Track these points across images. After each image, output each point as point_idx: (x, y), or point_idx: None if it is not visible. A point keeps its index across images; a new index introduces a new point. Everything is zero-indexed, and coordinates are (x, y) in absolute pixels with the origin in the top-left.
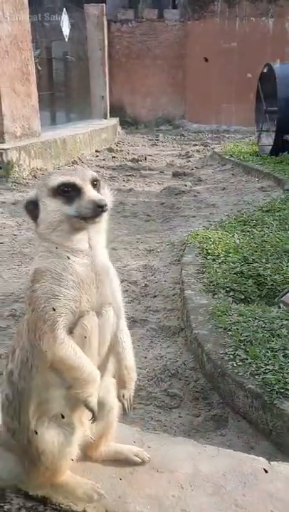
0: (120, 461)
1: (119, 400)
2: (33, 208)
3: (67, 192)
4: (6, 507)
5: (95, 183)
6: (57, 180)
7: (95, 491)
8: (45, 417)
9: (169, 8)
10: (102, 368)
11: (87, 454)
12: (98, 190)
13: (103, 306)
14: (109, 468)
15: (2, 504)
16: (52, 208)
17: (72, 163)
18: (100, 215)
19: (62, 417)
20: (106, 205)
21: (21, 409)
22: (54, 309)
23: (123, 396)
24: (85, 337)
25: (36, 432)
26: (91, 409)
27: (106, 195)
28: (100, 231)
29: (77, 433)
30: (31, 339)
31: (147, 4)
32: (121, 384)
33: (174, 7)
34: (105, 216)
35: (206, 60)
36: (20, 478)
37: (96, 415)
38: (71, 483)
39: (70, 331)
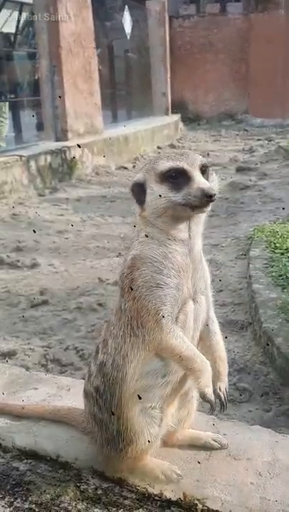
0: (196, 446)
1: (216, 394)
2: (138, 191)
3: (176, 178)
4: (82, 487)
5: (203, 169)
6: (165, 165)
7: (173, 471)
8: (136, 407)
9: (232, 1)
10: None
11: (164, 439)
12: (207, 177)
13: (197, 293)
14: (185, 453)
15: (78, 484)
16: (159, 194)
17: (134, 160)
18: (207, 204)
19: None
20: (215, 194)
21: (113, 400)
22: (158, 298)
23: (220, 389)
24: (186, 325)
25: (123, 423)
26: (209, 401)
27: (214, 183)
28: (200, 221)
29: (165, 423)
30: (133, 327)
31: None
32: (216, 376)
33: (237, 0)
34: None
35: None
36: (97, 459)
37: (214, 407)
38: (149, 464)
39: (175, 320)
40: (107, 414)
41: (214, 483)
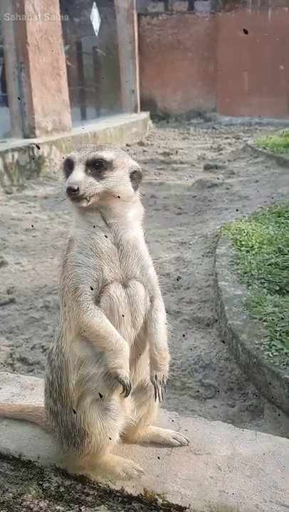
0: (158, 443)
1: (152, 382)
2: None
3: (69, 169)
4: (44, 485)
5: (96, 165)
6: (67, 155)
7: (134, 468)
8: (87, 398)
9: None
10: (139, 346)
11: (125, 436)
12: (99, 172)
13: (129, 279)
14: (147, 450)
15: (41, 482)
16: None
17: None
18: (71, 198)
19: (101, 396)
20: (73, 189)
21: (62, 389)
22: (76, 276)
23: (155, 378)
24: (113, 308)
25: (75, 411)
26: (121, 382)
27: (107, 180)
28: (116, 212)
29: (120, 417)
30: (61, 308)
31: None
32: (153, 365)
33: None
34: (94, 199)
35: (246, 32)
36: (59, 457)
37: (128, 389)
38: (110, 462)
39: (98, 301)
40: (60, 405)
41: (174, 478)
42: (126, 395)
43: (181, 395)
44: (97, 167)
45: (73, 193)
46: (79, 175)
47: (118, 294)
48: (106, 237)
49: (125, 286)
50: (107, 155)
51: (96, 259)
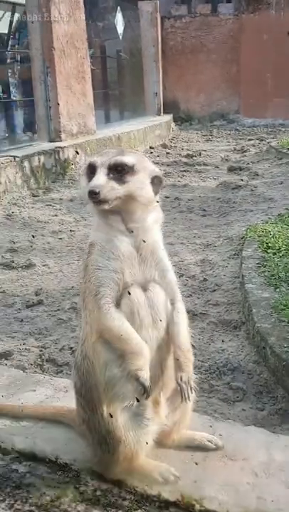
0: (192, 447)
1: (178, 384)
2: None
3: (91, 173)
4: (81, 488)
5: (118, 169)
6: (88, 160)
7: (170, 472)
8: (117, 403)
9: (223, 2)
10: (164, 349)
11: (160, 440)
12: (121, 177)
13: (149, 282)
14: (182, 454)
15: (78, 486)
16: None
17: None
18: (93, 201)
19: (138, 401)
20: (95, 192)
21: (92, 396)
22: (98, 279)
23: (181, 379)
24: (133, 310)
25: (111, 415)
26: (141, 384)
27: (129, 185)
28: (137, 216)
29: (154, 422)
30: (83, 311)
31: None
32: (178, 366)
33: (228, 1)
34: (116, 203)
35: None
36: (94, 458)
37: (148, 391)
38: (147, 466)
39: (118, 304)
40: (90, 412)
41: (211, 483)
42: (146, 397)
43: (209, 397)
44: (119, 171)
45: (95, 197)
46: (101, 179)
47: (138, 297)
48: (127, 240)
49: (145, 289)
50: (128, 160)
51: (117, 263)
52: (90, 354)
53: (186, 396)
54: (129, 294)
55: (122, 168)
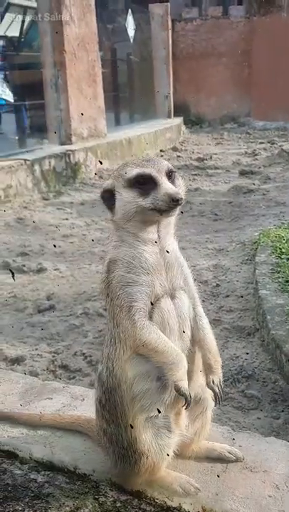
0: (212, 459)
1: (210, 388)
2: (108, 197)
3: (143, 184)
4: (100, 499)
5: (170, 175)
6: (133, 171)
7: (191, 484)
8: (141, 416)
9: (234, 4)
10: (188, 357)
11: (179, 451)
12: (173, 182)
13: (176, 290)
14: (201, 466)
15: (97, 496)
16: (128, 200)
17: None
18: (174, 208)
19: (159, 412)
20: (181, 198)
21: (115, 410)
22: (129, 296)
23: (213, 382)
24: (164, 321)
25: (133, 428)
26: (183, 394)
27: (180, 187)
28: (169, 223)
29: (175, 433)
30: (112, 329)
31: (211, 2)
32: (208, 369)
33: (239, 3)
34: (178, 209)
35: None
36: (113, 469)
37: (189, 400)
38: (167, 478)
39: (150, 316)
40: (114, 427)
41: (232, 496)
42: (187, 407)
43: (223, 405)
44: (171, 177)
45: (179, 202)
46: (171, 185)
47: (168, 307)
48: (156, 251)
49: (172, 297)
50: (172, 166)
51: (148, 276)
52: (118, 371)
53: (220, 399)
54: (160, 305)
55: (173, 173)
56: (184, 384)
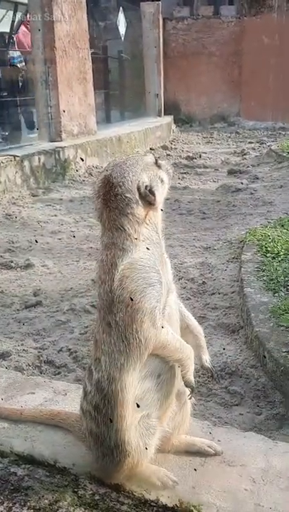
0: (191, 453)
1: (205, 367)
2: (146, 192)
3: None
4: (79, 492)
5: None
6: (151, 158)
7: (169, 478)
8: (138, 416)
9: (226, 4)
10: None
11: (159, 445)
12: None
13: (171, 284)
14: (180, 459)
15: (76, 490)
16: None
17: None
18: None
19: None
20: None
21: (114, 414)
22: (152, 297)
23: (207, 361)
24: (170, 316)
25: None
26: (191, 386)
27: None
28: (159, 221)
29: (159, 430)
30: (128, 336)
31: (203, 1)
32: (201, 350)
33: (231, 3)
34: None
35: None
36: (94, 465)
37: (195, 390)
38: (146, 471)
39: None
40: (104, 428)
41: (209, 489)
42: (191, 397)
43: (207, 401)
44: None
45: None
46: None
47: (172, 303)
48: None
49: (170, 292)
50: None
51: (159, 275)
52: (124, 377)
53: (216, 376)
54: (168, 302)
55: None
56: (192, 376)
